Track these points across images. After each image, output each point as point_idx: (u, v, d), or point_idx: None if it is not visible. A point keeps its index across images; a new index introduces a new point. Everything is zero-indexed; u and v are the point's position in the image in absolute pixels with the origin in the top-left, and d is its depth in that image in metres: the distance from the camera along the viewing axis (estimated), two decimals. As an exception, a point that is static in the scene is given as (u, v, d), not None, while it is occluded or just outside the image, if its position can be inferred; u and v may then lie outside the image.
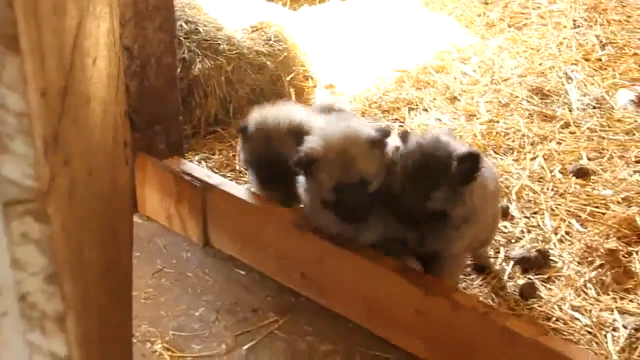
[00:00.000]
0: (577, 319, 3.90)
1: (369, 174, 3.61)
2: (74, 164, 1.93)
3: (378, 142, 3.65)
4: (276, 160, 4.05)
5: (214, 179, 4.40)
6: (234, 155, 5.26)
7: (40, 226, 1.69)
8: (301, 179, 3.83)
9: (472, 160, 3.44)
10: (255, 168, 4.26)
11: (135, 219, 4.63)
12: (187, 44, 5.49)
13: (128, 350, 2.88)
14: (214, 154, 5.30)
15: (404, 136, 3.61)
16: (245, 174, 5.05)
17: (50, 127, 1.72)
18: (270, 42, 5.89)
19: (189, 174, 4.41)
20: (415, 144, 3.54)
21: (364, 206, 3.62)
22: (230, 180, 4.76)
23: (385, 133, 3.70)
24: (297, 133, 4.02)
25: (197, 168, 4.59)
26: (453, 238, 3.66)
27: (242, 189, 4.39)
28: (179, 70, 5.12)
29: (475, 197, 3.56)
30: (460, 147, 3.55)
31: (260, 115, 4.22)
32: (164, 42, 4.46)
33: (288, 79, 5.92)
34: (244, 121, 4.28)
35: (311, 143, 3.68)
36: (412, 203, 3.47)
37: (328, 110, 4.50)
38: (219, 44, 5.60)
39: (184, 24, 5.51)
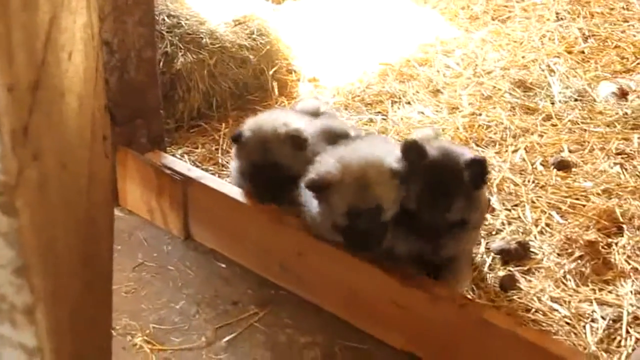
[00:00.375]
0: (557, 310, 3.92)
1: (386, 202, 3.55)
2: (46, 158, 1.94)
3: (398, 173, 3.57)
4: (273, 168, 4.07)
5: (194, 172, 4.41)
6: (216, 149, 5.28)
7: (8, 219, 1.70)
8: (306, 195, 3.80)
9: (479, 165, 3.47)
10: (250, 178, 4.21)
11: (117, 212, 4.64)
12: (170, 38, 5.48)
13: (107, 344, 2.88)
14: (197, 148, 5.31)
15: (407, 150, 3.57)
16: (228, 167, 5.06)
17: (19, 121, 1.73)
18: (253, 36, 5.88)
19: (170, 168, 4.42)
20: (425, 160, 3.52)
21: (376, 234, 3.58)
22: (213, 173, 4.77)
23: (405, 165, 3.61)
24: (295, 139, 4.04)
25: (177, 162, 4.60)
26: (466, 242, 3.73)
27: (222, 182, 4.40)
28: (161, 64, 5.13)
29: (483, 199, 3.62)
30: (463, 153, 3.58)
31: (255, 122, 4.23)
32: (144, 36, 4.46)
33: (271, 72, 5.92)
34: (238, 129, 4.27)
35: (327, 166, 3.64)
36: (434, 218, 3.47)
37: (313, 114, 4.50)
38: (202, 37, 5.60)
39: (166, 18, 5.51)
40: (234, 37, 5.76)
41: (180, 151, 5.19)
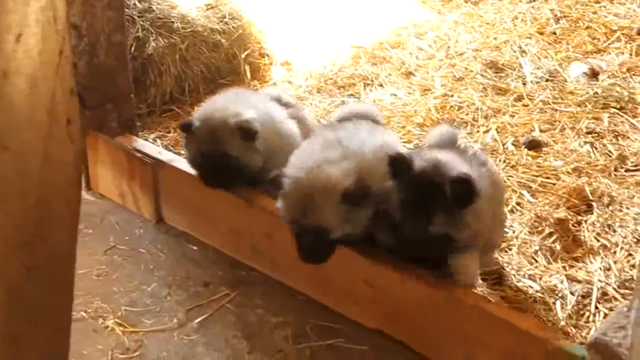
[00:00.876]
0: (528, 287, 3.95)
1: (329, 224, 3.47)
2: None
3: (351, 197, 3.46)
4: (222, 158, 4.03)
5: (165, 155, 4.42)
6: (189, 133, 5.28)
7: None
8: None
9: (463, 184, 3.31)
10: (199, 166, 4.18)
11: (88, 196, 4.65)
12: (141, 22, 5.47)
13: (61, 325, 2.86)
14: (169, 132, 5.31)
15: (393, 164, 3.44)
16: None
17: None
18: (225, 20, 5.88)
19: (141, 151, 4.43)
20: (411, 171, 3.41)
21: (323, 250, 3.53)
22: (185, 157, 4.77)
23: (365, 191, 3.50)
24: (246, 131, 4.00)
25: (148, 145, 4.60)
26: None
27: (193, 165, 4.41)
28: (132, 49, 5.13)
29: (482, 217, 3.47)
30: (454, 168, 3.40)
31: (205, 110, 4.16)
32: (113, 20, 4.46)
33: (243, 56, 5.92)
34: (189, 118, 4.25)
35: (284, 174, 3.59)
36: (414, 230, 3.37)
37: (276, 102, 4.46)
38: (173, 22, 5.59)
39: (137, 2, 5.50)
40: (205, 21, 5.76)
41: (152, 135, 5.19)
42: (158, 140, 5.10)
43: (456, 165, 3.41)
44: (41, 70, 2.45)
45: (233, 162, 4.01)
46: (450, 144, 3.86)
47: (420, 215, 3.34)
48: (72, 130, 3.48)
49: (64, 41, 3.25)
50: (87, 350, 3.63)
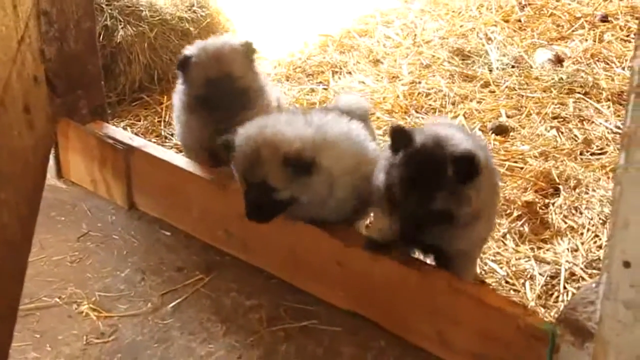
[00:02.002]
0: (496, 269, 4.02)
1: (274, 183, 3.46)
2: None
3: (292, 162, 3.44)
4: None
5: (137, 141, 4.41)
6: (159, 121, 5.30)
7: None
8: None
9: (466, 161, 3.23)
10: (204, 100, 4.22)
11: (59, 184, 4.65)
12: (109, 10, 5.47)
13: (3, 317, 2.83)
14: (139, 120, 5.33)
15: (393, 137, 3.37)
16: (171, 139, 5.08)
17: None
18: (194, 8, 5.88)
19: (112, 138, 4.42)
20: (412, 146, 3.32)
21: (267, 209, 3.53)
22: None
23: (307, 162, 3.47)
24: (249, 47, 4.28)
25: (120, 131, 4.60)
26: (459, 236, 3.49)
27: (165, 150, 4.42)
28: (101, 37, 5.11)
29: (484, 194, 3.40)
30: (456, 144, 3.31)
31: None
32: (82, 6, 4.45)
33: (212, 44, 5.91)
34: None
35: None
36: (415, 206, 3.27)
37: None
38: (141, 10, 5.59)
39: (105, -10, 5.49)
40: (174, 10, 5.76)
41: (122, 124, 5.19)
42: (128, 129, 5.10)
43: (458, 141, 3.33)
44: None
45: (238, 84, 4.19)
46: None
47: (421, 190, 3.26)
48: (33, 118, 3.48)
49: (27, 28, 3.24)
50: (62, 335, 3.64)
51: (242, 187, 3.56)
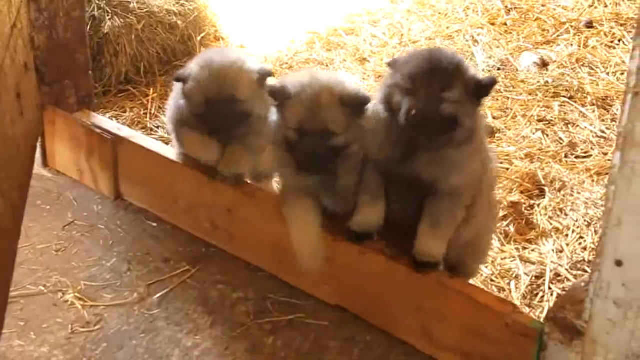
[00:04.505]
0: (482, 268, 4.03)
1: (333, 126, 3.42)
2: None
3: (349, 102, 3.44)
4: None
5: (124, 131, 4.39)
6: (145, 113, 5.29)
7: None
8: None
9: (491, 80, 3.24)
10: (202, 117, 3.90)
11: (45, 172, 4.62)
12: (97, 1, 5.47)
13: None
14: (125, 112, 5.32)
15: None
16: (156, 131, 5.07)
17: None
18: (181, 2, 5.89)
19: (100, 127, 4.40)
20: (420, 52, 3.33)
21: (324, 156, 3.46)
22: (141, 136, 4.76)
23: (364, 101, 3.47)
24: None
25: (107, 121, 4.58)
26: (454, 167, 3.36)
27: (152, 141, 4.40)
28: (88, 28, 5.08)
29: (480, 125, 3.38)
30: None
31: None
32: (72, -6, 4.44)
33: (199, 39, 5.92)
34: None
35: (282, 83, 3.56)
36: (426, 105, 3.15)
37: None
38: (129, 2, 5.59)
39: (93, -19, 5.47)
40: (162, 2, 5.76)
41: (108, 115, 5.17)
42: (114, 120, 5.07)
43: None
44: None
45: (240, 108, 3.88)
46: None
47: (435, 89, 3.16)
48: (24, 105, 3.46)
49: (19, 14, 3.22)
50: (47, 324, 3.61)
51: (292, 138, 3.47)
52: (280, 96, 3.50)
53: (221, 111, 3.81)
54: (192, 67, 3.87)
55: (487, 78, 3.27)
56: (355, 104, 3.45)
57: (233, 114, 3.81)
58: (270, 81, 3.87)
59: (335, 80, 3.53)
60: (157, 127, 5.14)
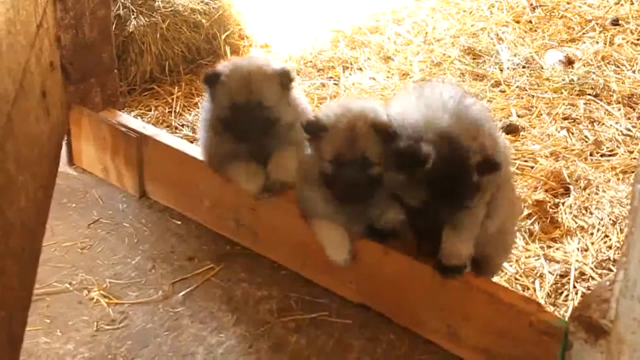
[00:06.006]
0: (506, 266, 4.02)
1: (371, 154, 3.40)
2: None
3: (381, 128, 3.40)
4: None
5: (149, 130, 4.41)
6: (169, 112, 5.32)
7: None
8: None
9: (490, 166, 3.22)
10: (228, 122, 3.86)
11: (71, 171, 4.65)
12: (122, 0, 5.48)
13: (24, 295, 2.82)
14: (149, 110, 5.34)
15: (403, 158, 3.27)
16: (181, 129, 5.09)
17: None
18: (206, 0, 5.89)
19: (125, 126, 4.42)
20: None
21: (364, 185, 3.43)
22: (166, 135, 4.78)
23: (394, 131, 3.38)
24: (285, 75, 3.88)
25: (132, 120, 4.60)
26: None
27: (177, 139, 4.42)
28: (113, 26, 5.11)
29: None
30: (475, 150, 3.23)
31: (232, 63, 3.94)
32: (97, -6, 4.47)
33: (223, 37, 5.93)
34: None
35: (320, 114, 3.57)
36: (437, 219, 3.30)
37: None
38: (154, 1, 5.61)
39: (118, -20, 5.49)
40: (186, 1, 5.77)
41: (133, 114, 5.19)
42: (139, 119, 5.10)
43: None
44: (7, 39, 2.44)
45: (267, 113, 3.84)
46: None
47: (451, 196, 3.23)
48: (49, 103, 3.47)
49: (45, 14, 3.24)
50: (73, 321, 3.64)
51: (330, 170, 3.45)
52: (316, 129, 3.48)
53: (248, 117, 3.78)
54: (221, 69, 3.86)
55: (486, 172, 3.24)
56: (386, 131, 3.40)
57: (259, 120, 3.79)
58: (291, 82, 3.87)
59: (367, 108, 3.51)
60: (182, 126, 5.16)
